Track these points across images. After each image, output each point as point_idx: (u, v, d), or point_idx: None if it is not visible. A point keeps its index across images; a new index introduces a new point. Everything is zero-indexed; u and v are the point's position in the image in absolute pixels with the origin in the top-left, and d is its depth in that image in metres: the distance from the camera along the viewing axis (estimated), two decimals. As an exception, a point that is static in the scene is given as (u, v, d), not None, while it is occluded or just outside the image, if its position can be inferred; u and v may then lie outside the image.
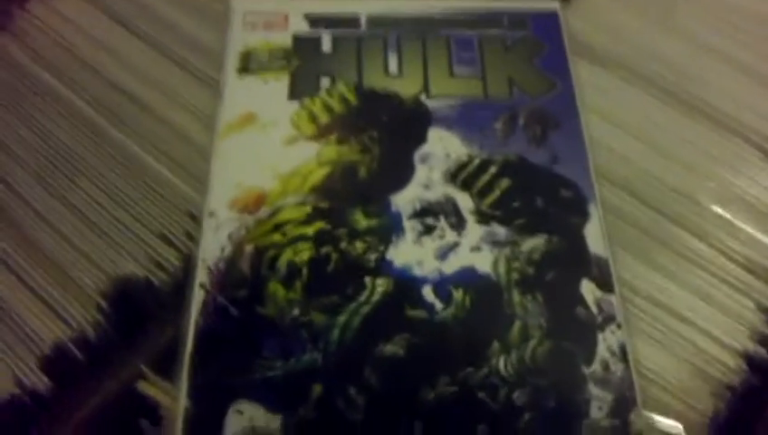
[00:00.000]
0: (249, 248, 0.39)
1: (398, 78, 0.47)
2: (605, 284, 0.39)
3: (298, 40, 0.48)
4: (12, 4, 0.52)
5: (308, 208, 0.41)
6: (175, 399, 0.36)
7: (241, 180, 0.42)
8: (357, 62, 0.47)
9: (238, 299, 0.38)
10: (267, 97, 0.46)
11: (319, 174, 0.42)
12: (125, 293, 0.40)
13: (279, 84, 0.46)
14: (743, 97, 0.47)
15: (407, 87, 0.46)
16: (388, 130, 0.44)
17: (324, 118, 0.45)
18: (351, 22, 0.49)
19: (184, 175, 0.44)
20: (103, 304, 0.40)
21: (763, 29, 0.50)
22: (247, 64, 0.47)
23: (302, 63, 0.47)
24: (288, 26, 0.49)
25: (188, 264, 0.41)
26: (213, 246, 0.40)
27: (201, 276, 0.39)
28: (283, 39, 0.48)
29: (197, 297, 0.39)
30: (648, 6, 0.51)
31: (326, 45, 0.48)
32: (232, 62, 0.47)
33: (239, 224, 0.41)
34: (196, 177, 0.44)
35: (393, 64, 0.47)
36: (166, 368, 0.38)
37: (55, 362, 0.39)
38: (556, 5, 0.51)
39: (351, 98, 0.45)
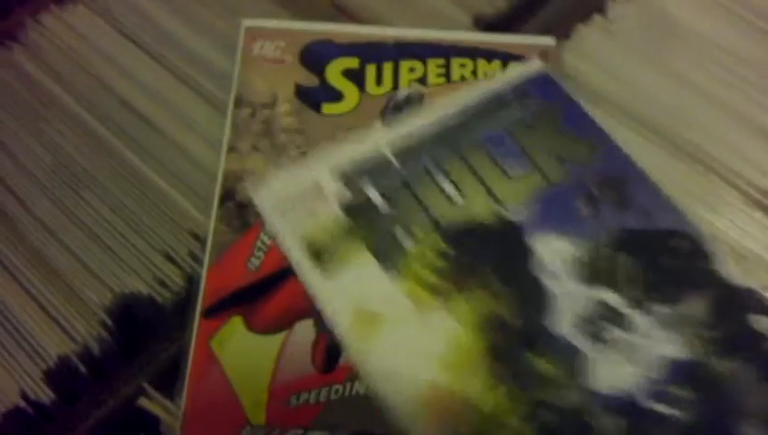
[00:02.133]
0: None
1: (464, 203, 0.44)
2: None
3: (350, 210, 0.43)
4: (25, 15, 0.53)
5: (485, 376, 0.38)
6: (175, 416, 0.38)
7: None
8: (419, 205, 0.44)
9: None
10: (365, 284, 0.41)
11: (470, 339, 0.39)
12: (129, 309, 0.42)
13: (364, 264, 0.42)
14: (732, 142, 0.48)
15: (479, 208, 0.44)
16: (496, 261, 0.42)
17: (434, 279, 0.41)
18: (383, 163, 0.45)
19: (189, 194, 0.46)
20: (107, 319, 0.41)
21: (758, 74, 0.52)
22: (320, 259, 0.42)
23: (370, 233, 0.43)
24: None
25: (191, 283, 0.42)
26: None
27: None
28: (330, 215, 0.43)
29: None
30: (644, 47, 0.53)
31: (378, 201, 0.44)
32: (303, 255, 0.42)
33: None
34: (201, 196, 0.45)
35: (451, 190, 0.44)
36: (167, 385, 0.40)
37: (59, 376, 0.40)
38: (552, 42, 0.52)
39: (444, 246, 0.42)
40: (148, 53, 0.51)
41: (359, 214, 0.43)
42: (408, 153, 0.46)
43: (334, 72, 0.50)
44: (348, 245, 0.42)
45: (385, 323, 0.40)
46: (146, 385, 0.40)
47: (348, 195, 0.44)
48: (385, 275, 0.41)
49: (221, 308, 0.41)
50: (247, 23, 0.52)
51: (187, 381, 0.39)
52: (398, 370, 0.38)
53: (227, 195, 0.45)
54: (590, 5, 0.55)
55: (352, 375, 0.40)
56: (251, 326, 0.41)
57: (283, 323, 0.41)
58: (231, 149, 0.46)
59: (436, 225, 0.43)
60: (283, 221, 0.43)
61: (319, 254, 0.42)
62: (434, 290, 0.41)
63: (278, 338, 0.41)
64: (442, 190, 0.44)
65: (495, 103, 0.48)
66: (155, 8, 0.53)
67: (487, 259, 0.42)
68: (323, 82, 0.49)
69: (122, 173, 0.46)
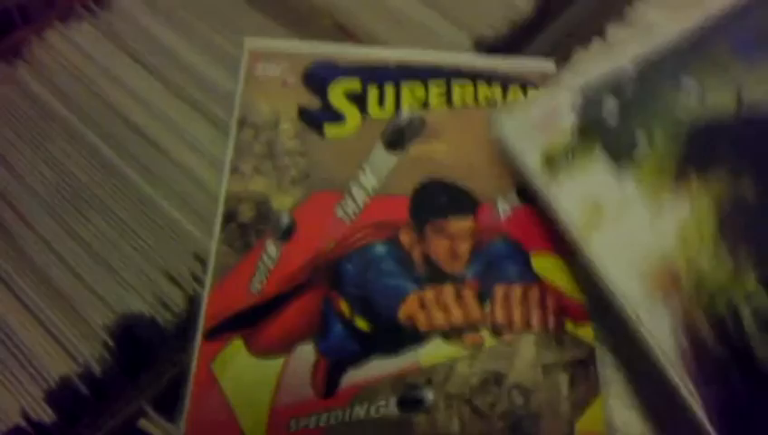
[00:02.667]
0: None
1: (705, 98, 0.45)
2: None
3: (583, 110, 0.45)
4: (29, 32, 0.53)
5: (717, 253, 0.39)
6: (175, 438, 0.38)
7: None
8: (657, 105, 0.45)
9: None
10: (597, 180, 0.43)
11: (705, 219, 0.40)
12: (131, 330, 0.42)
13: (597, 164, 0.43)
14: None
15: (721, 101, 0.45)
16: (737, 151, 0.43)
17: (670, 167, 0.42)
18: (623, 76, 0.47)
19: (191, 215, 0.46)
20: (109, 340, 0.42)
21: None
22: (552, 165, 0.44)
23: (605, 136, 0.44)
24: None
25: (193, 305, 0.43)
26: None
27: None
28: (567, 127, 0.45)
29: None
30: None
31: (615, 110, 0.45)
32: (536, 163, 0.44)
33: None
34: (204, 217, 0.46)
35: (692, 86, 0.46)
36: (167, 406, 0.40)
37: (61, 396, 0.40)
38: (551, 66, 0.53)
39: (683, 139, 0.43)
40: (152, 72, 0.51)
41: (595, 123, 0.45)
42: (650, 65, 0.47)
43: (336, 94, 0.50)
44: (583, 149, 0.44)
45: (614, 213, 0.42)
46: (146, 406, 0.40)
47: (587, 108, 0.46)
48: (618, 170, 0.43)
49: (222, 330, 0.42)
50: (250, 43, 0.52)
51: (187, 404, 0.39)
52: (627, 254, 0.40)
53: (230, 216, 0.45)
54: (589, 29, 0.55)
55: (352, 400, 0.40)
56: (252, 349, 0.41)
57: (284, 346, 0.41)
58: (234, 170, 0.47)
59: (676, 122, 0.44)
60: (524, 143, 0.45)
61: (552, 161, 0.44)
62: (669, 177, 0.42)
63: (278, 361, 0.41)
64: (682, 90, 0.45)
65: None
66: (159, 27, 0.54)
67: (728, 151, 0.43)
68: (326, 103, 0.50)
69: (125, 193, 0.46)
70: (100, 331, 0.42)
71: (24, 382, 0.40)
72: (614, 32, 0.55)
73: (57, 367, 0.41)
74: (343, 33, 0.54)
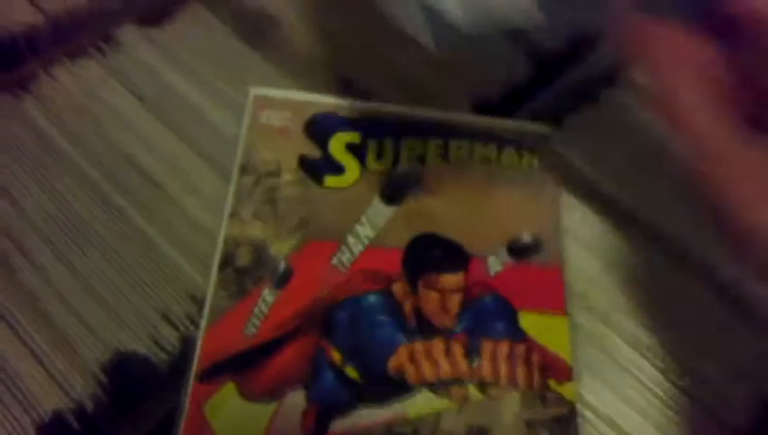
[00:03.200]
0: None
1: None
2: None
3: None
4: (37, 66, 0.54)
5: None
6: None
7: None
8: None
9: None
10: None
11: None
12: (124, 368, 0.43)
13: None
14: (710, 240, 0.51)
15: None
16: None
17: None
18: None
19: (189, 257, 0.47)
20: (102, 377, 0.42)
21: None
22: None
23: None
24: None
25: (187, 346, 0.43)
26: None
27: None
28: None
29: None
30: (633, 140, 0.55)
31: None
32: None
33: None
34: (201, 260, 0.46)
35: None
36: (157, 446, 0.40)
37: (52, 431, 0.41)
38: (546, 129, 0.55)
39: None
40: (157, 114, 0.52)
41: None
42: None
43: (337, 146, 0.52)
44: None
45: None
46: (137, 446, 0.41)
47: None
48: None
49: (216, 373, 0.42)
50: (255, 91, 0.54)
51: (178, 445, 0.40)
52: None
53: (227, 260, 0.46)
54: (582, 95, 0.57)
55: (340, 447, 0.41)
56: (244, 393, 0.42)
57: (276, 391, 0.42)
58: (233, 214, 0.48)
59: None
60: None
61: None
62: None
63: (270, 407, 0.42)
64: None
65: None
66: (166, 69, 0.55)
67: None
68: (326, 154, 0.51)
69: (125, 231, 0.47)
70: (95, 367, 0.43)
71: (16, 415, 0.41)
72: (608, 97, 0.57)
73: (50, 401, 0.41)
74: (348, 87, 0.56)
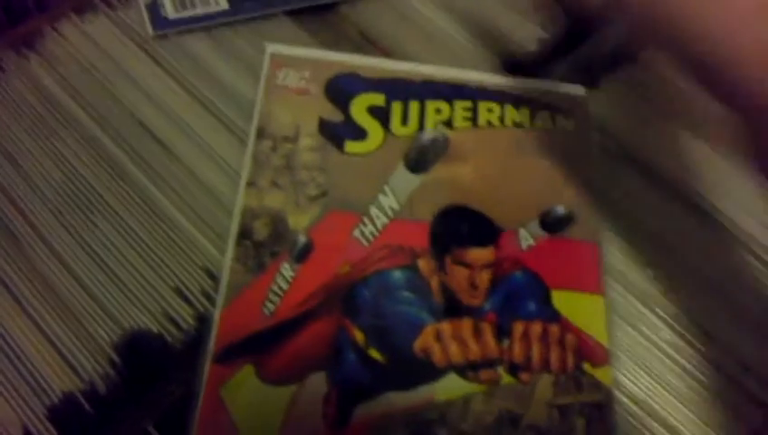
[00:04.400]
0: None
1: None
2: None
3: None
4: (44, 22, 0.51)
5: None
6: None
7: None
8: None
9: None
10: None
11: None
12: (137, 347, 0.41)
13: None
14: (760, 212, 0.48)
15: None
16: None
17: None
18: None
19: (204, 228, 0.44)
20: (115, 357, 0.40)
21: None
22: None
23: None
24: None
25: (203, 323, 0.41)
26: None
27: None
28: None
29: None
30: (675, 103, 0.52)
31: None
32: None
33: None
34: (217, 232, 0.44)
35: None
36: (172, 429, 0.39)
37: (63, 413, 0.39)
38: (581, 91, 0.51)
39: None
40: (169, 73, 0.49)
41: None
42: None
43: (359, 108, 0.49)
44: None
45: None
46: (151, 429, 0.39)
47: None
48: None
49: (233, 355, 0.40)
50: (272, 49, 0.50)
51: (194, 430, 0.38)
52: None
53: (244, 233, 0.44)
54: (621, 55, 0.54)
55: (365, 432, 0.39)
56: (262, 376, 0.40)
57: (295, 374, 0.40)
58: (250, 184, 0.45)
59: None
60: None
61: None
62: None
63: (289, 390, 0.40)
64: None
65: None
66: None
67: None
68: (347, 117, 0.48)
69: (136, 200, 0.45)
70: (107, 347, 0.41)
71: (26, 397, 0.39)
72: (647, 57, 0.53)
73: (61, 383, 0.40)
74: (371, 46, 0.52)
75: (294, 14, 0.53)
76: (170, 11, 0.51)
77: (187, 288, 0.43)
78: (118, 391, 0.40)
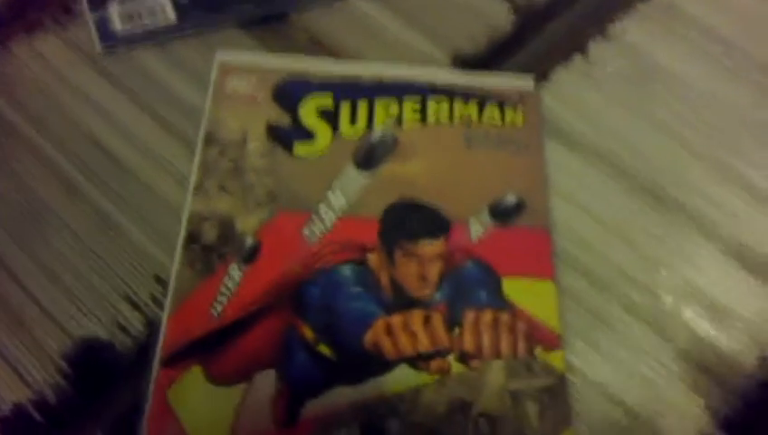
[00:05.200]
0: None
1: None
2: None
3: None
4: (-6, 42, 0.52)
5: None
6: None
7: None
8: None
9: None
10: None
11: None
12: (87, 355, 0.41)
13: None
14: (711, 193, 0.48)
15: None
16: None
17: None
18: None
19: (154, 236, 0.45)
20: (65, 366, 0.41)
21: (742, 125, 0.51)
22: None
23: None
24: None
25: (152, 329, 0.41)
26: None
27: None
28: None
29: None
30: (625, 91, 0.52)
31: None
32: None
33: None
34: (166, 238, 0.44)
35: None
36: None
37: (13, 424, 0.39)
38: (530, 83, 0.52)
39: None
40: (118, 87, 0.50)
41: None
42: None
43: (307, 111, 0.49)
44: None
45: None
46: (101, 435, 0.39)
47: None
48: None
49: (181, 357, 0.40)
50: (221, 57, 0.51)
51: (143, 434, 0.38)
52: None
53: (192, 237, 0.44)
54: (570, 46, 0.54)
55: (313, 430, 0.39)
56: (210, 376, 0.40)
57: (244, 373, 0.40)
58: (198, 188, 0.46)
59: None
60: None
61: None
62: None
63: (238, 390, 0.40)
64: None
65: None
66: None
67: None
68: (295, 120, 0.49)
69: (87, 213, 0.45)
70: (56, 356, 0.41)
71: (-25, 409, 0.39)
72: (595, 49, 0.54)
73: (11, 394, 0.40)
74: (319, 47, 0.53)
75: (245, 25, 0.53)
76: (117, 24, 0.51)
77: (137, 295, 0.43)
78: (68, 401, 0.40)
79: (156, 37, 0.52)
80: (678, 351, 0.43)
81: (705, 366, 0.43)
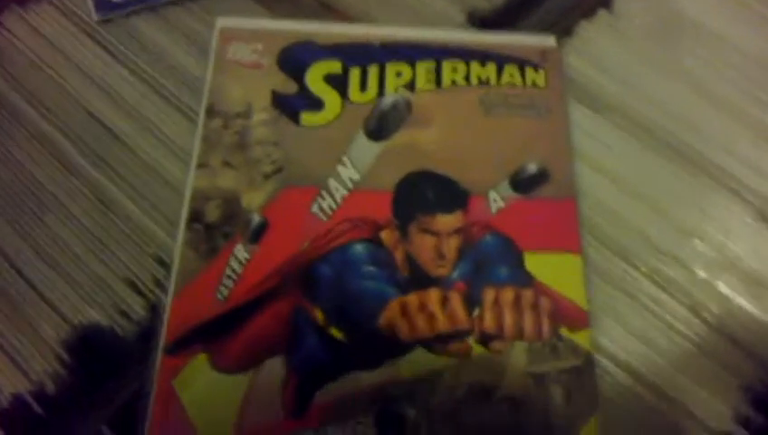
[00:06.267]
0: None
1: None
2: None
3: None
4: (-14, 16, 0.49)
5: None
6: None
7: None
8: None
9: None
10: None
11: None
12: (87, 343, 0.39)
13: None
14: (744, 153, 0.44)
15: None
16: None
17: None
18: None
19: (156, 216, 0.43)
20: (64, 354, 0.39)
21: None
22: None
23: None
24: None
25: (155, 313, 0.39)
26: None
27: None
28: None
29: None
30: (652, 45, 0.48)
31: None
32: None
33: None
34: (168, 217, 0.42)
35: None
36: (126, 426, 0.37)
37: (12, 415, 0.38)
38: (552, 41, 0.48)
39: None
40: (116, 58, 0.48)
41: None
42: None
43: (315, 77, 0.46)
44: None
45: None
46: (104, 428, 0.37)
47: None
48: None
49: (185, 344, 0.38)
50: (222, 23, 0.48)
51: (147, 426, 0.36)
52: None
53: (195, 216, 0.42)
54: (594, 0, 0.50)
55: (324, 419, 0.37)
56: (216, 364, 0.38)
57: (251, 360, 0.38)
58: (201, 164, 0.43)
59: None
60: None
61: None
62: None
63: (245, 378, 0.38)
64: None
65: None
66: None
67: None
68: (303, 88, 0.46)
69: (85, 193, 0.43)
70: (56, 345, 0.39)
71: (-27, 402, 0.37)
72: (620, 1, 0.50)
73: (9, 385, 0.38)
74: (329, 12, 0.50)
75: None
76: (115, -7, 0.49)
77: (139, 278, 0.41)
78: (69, 391, 0.38)
79: (154, 4, 0.49)
80: (711, 327, 0.40)
81: (738, 342, 0.40)
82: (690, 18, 0.49)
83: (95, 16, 0.49)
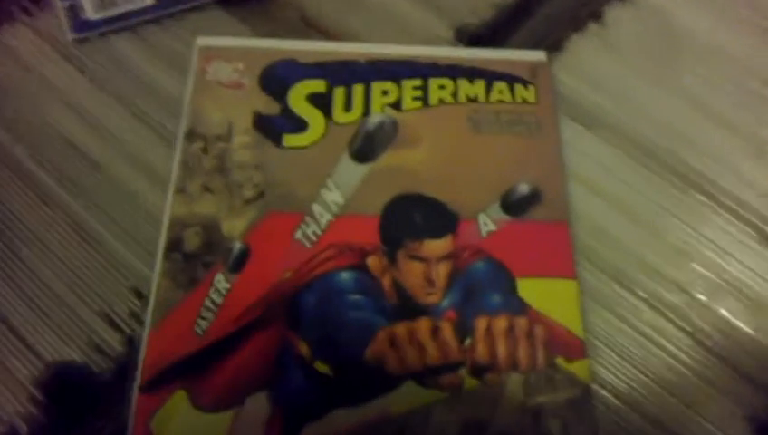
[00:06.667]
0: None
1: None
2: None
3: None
4: (-42, 37, 0.48)
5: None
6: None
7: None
8: None
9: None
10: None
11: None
12: (62, 381, 0.37)
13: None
14: (743, 170, 0.43)
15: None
16: None
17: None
18: None
19: (133, 245, 0.41)
20: (37, 394, 0.37)
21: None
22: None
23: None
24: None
25: (132, 348, 0.38)
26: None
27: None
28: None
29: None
30: (645, 59, 0.47)
31: None
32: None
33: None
34: (146, 248, 0.40)
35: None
36: (102, 469, 0.35)
37: (-18, 461, 0.35)
38: (542, 57, 0.47)
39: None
40: (92, 79, 0.46)
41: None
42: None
43: (298, 97, 0.45)
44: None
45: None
46: (79, 471, 0.35)
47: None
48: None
49: (162, 381, 0.36)
50: (202, 41, 0.46)
51: (123, 469, 0.34)
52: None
53: (174, 245, 0.40)
54: (584, 12, 0.49)
55: (310, 459, 0.35)
56: (196, 402, 0.36)
57: (233, 397, 0.36)
58: (179, 190, 0.42)
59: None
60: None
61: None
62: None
63: (227, 416, 0.36)
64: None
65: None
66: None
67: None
68: (285, 109, 0.44)
69: (59, 222, 0.41)
70: (28, 384, 0.37)
71: (-60, 446, 0.35)
72: (611, 13, 0.49)
73: (-22, 427, 0.36)
74: (313, 29, 0.48)
75: (227, 2, 0.48)
76: (90, 12, 0.47)
77: (114, 312, 0.39)
78: (42, 432, 0.36)
79: (132, 23, 0.47)
80: (713, 353, 0.39)
81: (741, 369, 0.38)
82: (684, 30, 0.48)
83: (70, 37, 0.47)
